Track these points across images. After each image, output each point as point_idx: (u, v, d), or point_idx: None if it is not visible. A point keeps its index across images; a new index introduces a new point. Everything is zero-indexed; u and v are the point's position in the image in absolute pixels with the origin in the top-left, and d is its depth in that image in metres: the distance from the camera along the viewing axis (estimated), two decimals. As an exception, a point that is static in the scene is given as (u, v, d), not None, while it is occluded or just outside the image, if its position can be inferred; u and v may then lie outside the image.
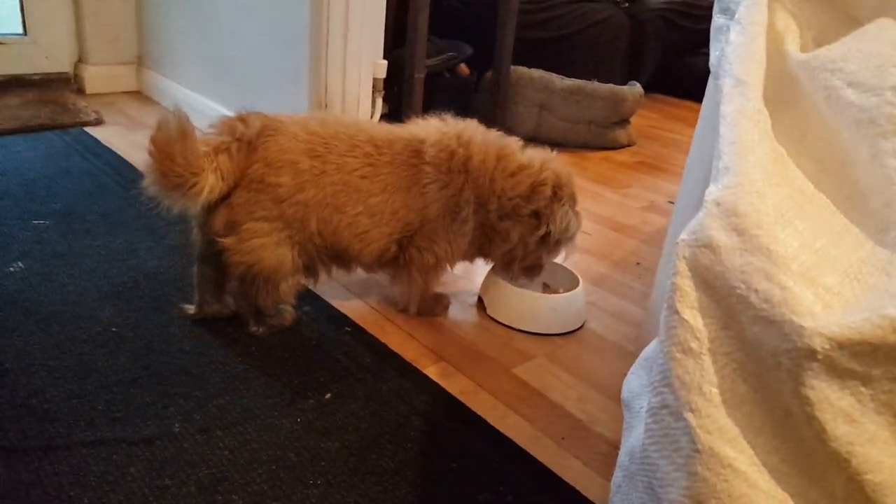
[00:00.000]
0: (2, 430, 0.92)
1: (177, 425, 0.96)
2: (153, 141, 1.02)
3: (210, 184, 1.06)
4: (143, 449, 0.92)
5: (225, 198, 1.10)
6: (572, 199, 1.26)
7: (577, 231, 1.27)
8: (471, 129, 1.24)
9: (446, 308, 1.35)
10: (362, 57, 1.75)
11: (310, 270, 1.21)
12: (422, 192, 1.19)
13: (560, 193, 1.23)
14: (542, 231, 1.22)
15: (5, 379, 1.01)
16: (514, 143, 1.25)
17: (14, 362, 1.05)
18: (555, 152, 1.28)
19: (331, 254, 1.19)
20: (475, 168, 1.20)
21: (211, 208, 1.10)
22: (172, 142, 1.02)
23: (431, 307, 1.32)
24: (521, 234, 1.23)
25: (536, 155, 1.25)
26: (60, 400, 0.99)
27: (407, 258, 1.23)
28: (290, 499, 0.86)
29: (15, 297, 1.22)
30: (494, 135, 1.26)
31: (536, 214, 1.22)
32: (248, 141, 1.09)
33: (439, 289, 1.36)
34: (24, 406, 0.97)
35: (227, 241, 1.10)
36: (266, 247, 1.11)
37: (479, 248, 1.28)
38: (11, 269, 1.31)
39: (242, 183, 1.09)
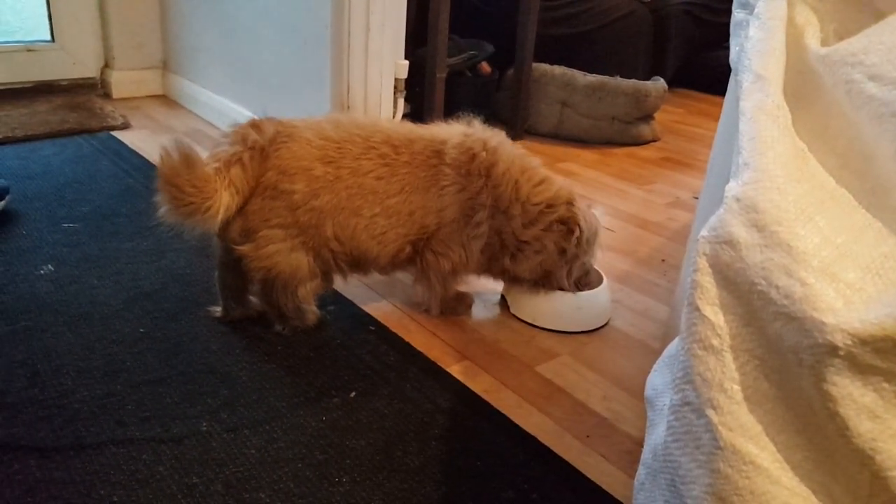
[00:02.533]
0: (34, 430, 0.94)
1: (204, 424, 0.98)
2: (160, 175, 1.03)
3: (225, 203, 1.06)
4: (172, 448, 0.93)
5: (241, 207, 1.11)
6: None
7: (600, 230, 1.30)
8: (498, 137, 1.25)
9: (469, 307, 1.35)
10: (384, 57, 1.76)
11: (326, 276, 1.20)
12: (440, 194, 1.18)
13: (576, 203, 1.26)
14: (576, 233, 1.23)
15: (36, 379, 1.04)
16: (536, 160, 1.28)
17: (44, 363, 1.07)
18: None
19: (348, 258, 1.19)
20: (499, 174, 1.20)
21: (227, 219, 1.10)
22: (178, 173, 1.02)
23: (454, 307, 1.32)
24: (556, 242, 1.24)
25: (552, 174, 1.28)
26: (90, 400, 1.01)
27: (424, 263, 1.23)
28: (316, 496, 0.87)
29: (45, 299, 1.24)
30: (520, 150, 1.27)
31: (562, 221, 1.23)
32: (260, 149, 1.09)
33: (462, 287, 1.36)
34: (54, 406, 0.99)
35: (244, 249, 1.11)
36: (281, 252, 1.11)
37: (490, 259, 1.26)
38: (42, 271, 1.33)
39: (257, 191, 1.10)
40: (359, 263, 1.21)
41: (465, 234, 1.21)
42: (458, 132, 1.23)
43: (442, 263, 1.22)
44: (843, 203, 0.57)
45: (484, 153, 1.20)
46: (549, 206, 1.22)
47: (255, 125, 1.12)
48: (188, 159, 1.03)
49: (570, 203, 1.24)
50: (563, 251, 1.25)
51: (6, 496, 0.84)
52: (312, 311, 1.22)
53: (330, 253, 1.16)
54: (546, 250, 1.23)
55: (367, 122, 1.21)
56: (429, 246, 1.21)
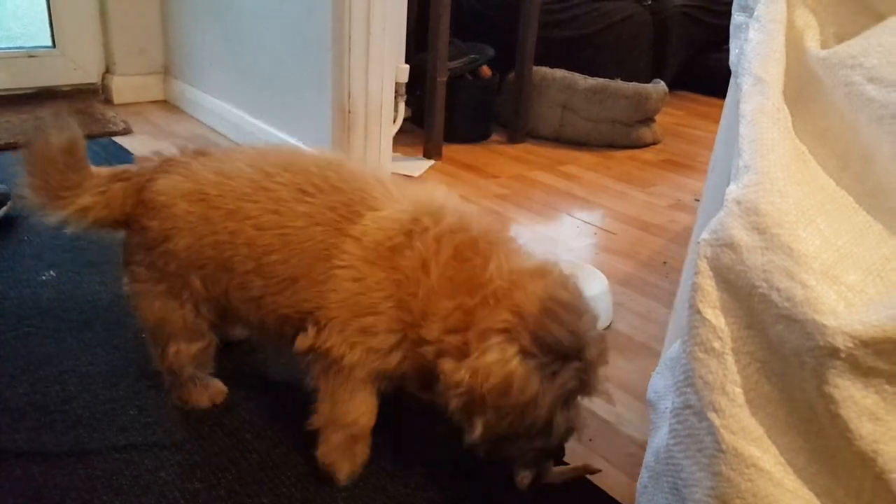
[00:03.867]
0: (36, 436, 0.94)
1: (206, 429, 0.98)
2: (35, 148, 0.92)
3: (84, 204, 0.94)
4: (174, 453, 0.93)
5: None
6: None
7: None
8: (460, 224, 0.87)
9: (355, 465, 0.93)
10: (384, 61, 1.76)
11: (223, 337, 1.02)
12: (328, 272, 0.86)
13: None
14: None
15: (38, 385, 1.04)
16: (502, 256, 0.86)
17: (47, 369, 1.07)
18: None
19: (243, 321, 0.98)
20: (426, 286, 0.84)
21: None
22: (54, 154, 0.92)
23: (344, 451, 0.91)
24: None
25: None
26: (92, 405, 1.01)
27: (312, 352, 0.89)
28: (317, 501, 0.87)
29: (48, 305, 1.24)
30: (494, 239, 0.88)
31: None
32: (144, 176, 0.95)
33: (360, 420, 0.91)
34: (57, 411, 0.99)
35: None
36: (144, 296, 0.97)
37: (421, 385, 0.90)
38: (44, 277, 1.34)
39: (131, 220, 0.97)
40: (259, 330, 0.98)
41: (364, 346, 0.86)
42: (407, 201, 0.89)
43: (328, 352, 0.87)
44: (844, 205, 0.57)
45: (419, 244, 0.84)
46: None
47: (163, 155, 0.98)
48: (71, 145, 0.93)
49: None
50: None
51: (9, 503, 0.84)
52: (199, 382, 1.03)
53: (214, 310, 0.96)
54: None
55: (298, 160, 0.94)
56: (318, 329, 0.88)
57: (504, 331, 0.80)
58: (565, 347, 0.80)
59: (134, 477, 0.89)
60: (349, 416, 0.89)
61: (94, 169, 0.97)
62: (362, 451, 0.92)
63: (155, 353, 1.00)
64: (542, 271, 0.85)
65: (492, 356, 0.79)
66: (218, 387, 1.05)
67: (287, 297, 0.89)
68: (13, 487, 0.86)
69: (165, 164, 0.95)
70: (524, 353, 0.79)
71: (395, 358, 0.86)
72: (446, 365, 0.81)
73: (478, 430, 0.81)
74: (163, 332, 0.97)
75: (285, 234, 0.88)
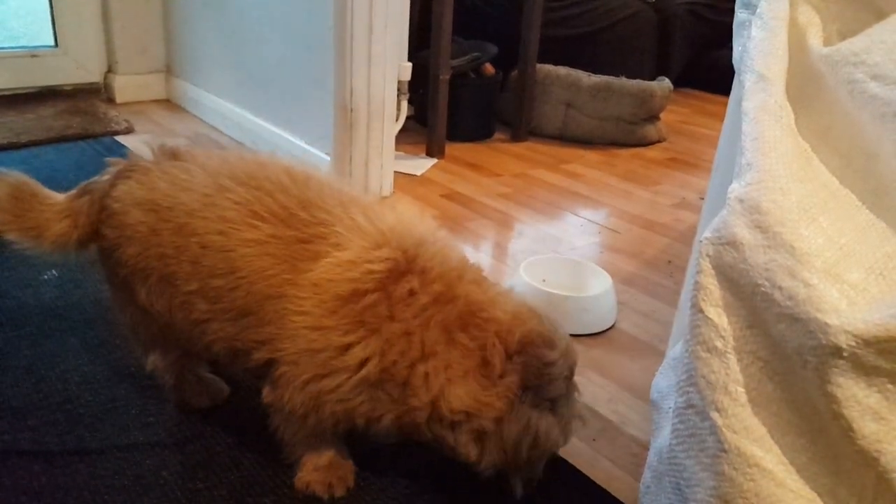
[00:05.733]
0: (38, 435, 0.94)
1: (208, 429, 0.98)
2: None
3: (57, 231, 0.92)
4: (176, 452, 0.93)
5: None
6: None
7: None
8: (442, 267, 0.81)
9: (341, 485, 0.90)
10: (387, 59, 1.76)
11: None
12: (281, 314, 0.79)
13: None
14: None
15: (41, 384, 1.04)
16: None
17: (49, 368, 1.08)
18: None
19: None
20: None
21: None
22: (3, 207, 0.92)
23: (318, 478, 0.89)
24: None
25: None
26: (95, 405, 1.01)
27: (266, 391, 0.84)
28: (319, 500, 0.87)
29: (50, 305, 1.24)
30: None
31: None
32: (107, 183, 0.92)
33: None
34: (59, 411, 0.99)
35: None
36: (116, 304, 0.95)
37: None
38: (45, 276, 1.34)
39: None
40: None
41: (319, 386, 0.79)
42: (381, 233, 0.81)
43: (283, 391, 0.81)
44: (847, 203, 0.56)
45: (410, 284, 0.78)
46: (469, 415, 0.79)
47: (135, 158, 0.95)
48: (15, 191, 0.92)
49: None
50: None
51: (11, 502, 0.84)
52: (198, 381, 1.01)
53: (159, 329, 0.92)
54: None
55: (266, 174, 0.86)
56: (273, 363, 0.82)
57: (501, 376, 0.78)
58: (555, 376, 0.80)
59: (136, 476, 0.89)
60: (323, 461, 0.89)
61: (56, 196, 0.95)
62: (345, 474, 0.90)
63: (140, 358, 0.99)
64: (524, 305, 0.84)
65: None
66: (218, 385, 1.03)
67: (237, 330, 0.83)
68: (16, 486, 0.86)
69: (127, 170, 0.91)
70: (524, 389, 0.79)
71: (366, 407, 0.80)
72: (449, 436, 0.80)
73: (486, 461, 0.81)
74: (135, 334, 0.96)
75: (231, 260, 0.81)
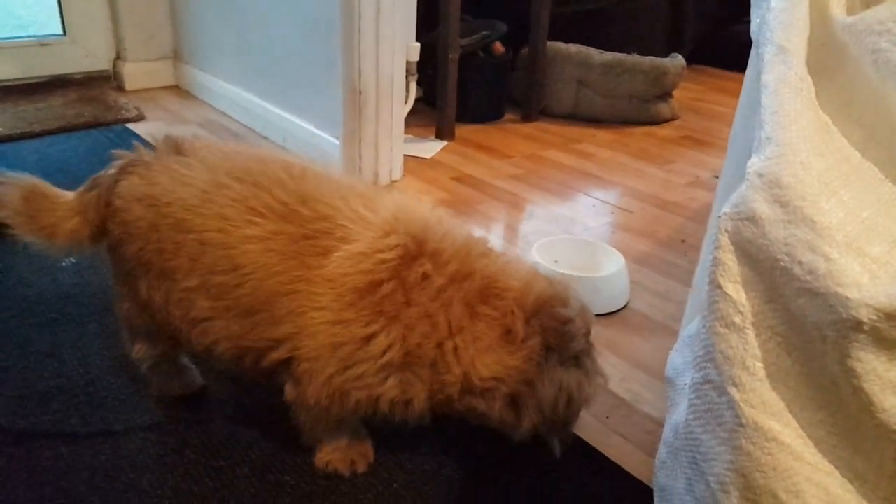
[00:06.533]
0: (63, 418, 0.96)
1: (230, 408, 0.99)
2: (7, 206, 0.92)
3: (69, 228, 0.92)
4: (198, 431, 0.94)
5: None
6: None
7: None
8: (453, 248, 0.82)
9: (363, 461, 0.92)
10: (395, 40, 1.75)
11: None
12: (298, 310, 0.80)
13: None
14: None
15: (64, 368, 1.05)
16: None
17: (71, 352, 1.09)
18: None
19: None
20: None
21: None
22: (17, 208, 0.92)
23: (339, 457, 0.90)
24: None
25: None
26: (117, 387, 1.02)
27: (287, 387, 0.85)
28: (340, 478, 0.88)
29: (69, 291, 1.26)
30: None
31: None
32: (113, 178, 0.92)
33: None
34: (82, 394, 1.00)
35: None
36: (117, 296, 0.95)
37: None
38: (64, 263, 1.35)
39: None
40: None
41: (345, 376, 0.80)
42: (390, 222, 0.82)
43: (305, 387, 0.82)
44: (869, 176, 0.56)
45: (421, 268, 0.80)
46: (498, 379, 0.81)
47: (141, 151, 0.94)
48: (28, 193, 0.93)
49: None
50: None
51: (39, 482, 0.85)
52: (173, 369, 1.01)
53: (156, 325, 0.92)
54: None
55: (265, 170, 0.85)
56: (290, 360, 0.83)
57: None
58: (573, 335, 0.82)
59: (159, 455, 0.90)
60: (343, 442, 0.90)
61: (66, 194, 0.96)
62: (365, 450, 0.92)
63: (126, 346, 0.99)
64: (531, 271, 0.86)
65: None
66: (192, 376, 1.02)
67: (244, 329, 0.82)
68: (43, 468, 0.87)
69: (130, 164, 0.91)
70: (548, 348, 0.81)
71: (396, 392, 0.81)
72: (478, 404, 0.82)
73: (525, 424, 0.82)
74: (127, 324, 0.96)
75: (232, 257, 0.81)
